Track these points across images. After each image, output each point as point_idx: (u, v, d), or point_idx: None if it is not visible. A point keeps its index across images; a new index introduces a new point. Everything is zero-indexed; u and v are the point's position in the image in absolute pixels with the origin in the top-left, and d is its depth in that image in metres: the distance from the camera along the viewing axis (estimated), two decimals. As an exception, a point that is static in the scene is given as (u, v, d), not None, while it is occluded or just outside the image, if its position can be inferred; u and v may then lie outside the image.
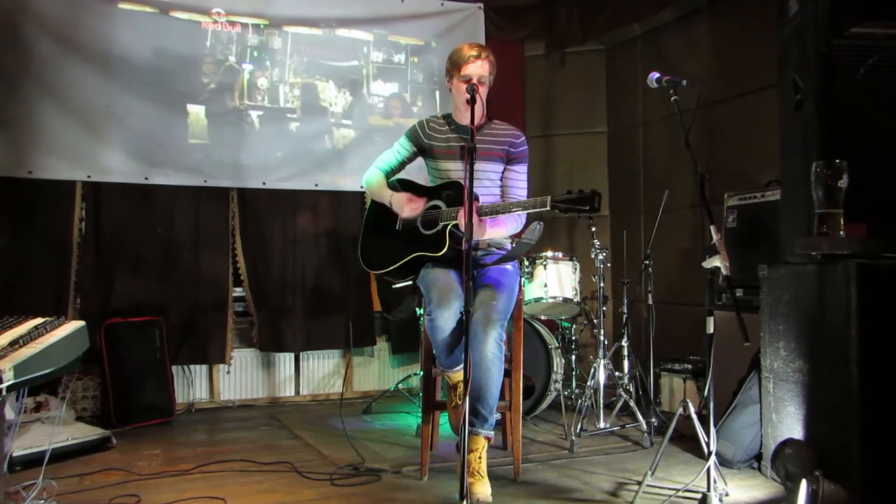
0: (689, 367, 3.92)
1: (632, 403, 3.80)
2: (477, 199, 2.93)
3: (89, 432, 3.58)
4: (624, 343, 4.11)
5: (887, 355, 2.42)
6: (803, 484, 2.38)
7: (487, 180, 3.11)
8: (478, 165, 2.91)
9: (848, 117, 2.65)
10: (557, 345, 4.23)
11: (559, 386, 4.12)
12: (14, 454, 3.04)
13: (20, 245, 4.24)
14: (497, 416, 2.94)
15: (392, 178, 3.28)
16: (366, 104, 5.06)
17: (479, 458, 2.82)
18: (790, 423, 2.82)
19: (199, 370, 4.66)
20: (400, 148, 3.25)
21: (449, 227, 2.95)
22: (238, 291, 4.75)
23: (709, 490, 2.55)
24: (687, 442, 3.45)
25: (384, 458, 3.40)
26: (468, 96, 2.80)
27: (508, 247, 3.21)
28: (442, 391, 3.37)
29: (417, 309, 4.09)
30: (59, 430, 3.43)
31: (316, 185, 4.92)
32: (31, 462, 3.05)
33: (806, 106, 2.78)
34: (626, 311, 4.17)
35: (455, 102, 3.13)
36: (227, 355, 4.65)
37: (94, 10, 4.39)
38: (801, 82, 2.81)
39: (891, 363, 2.41)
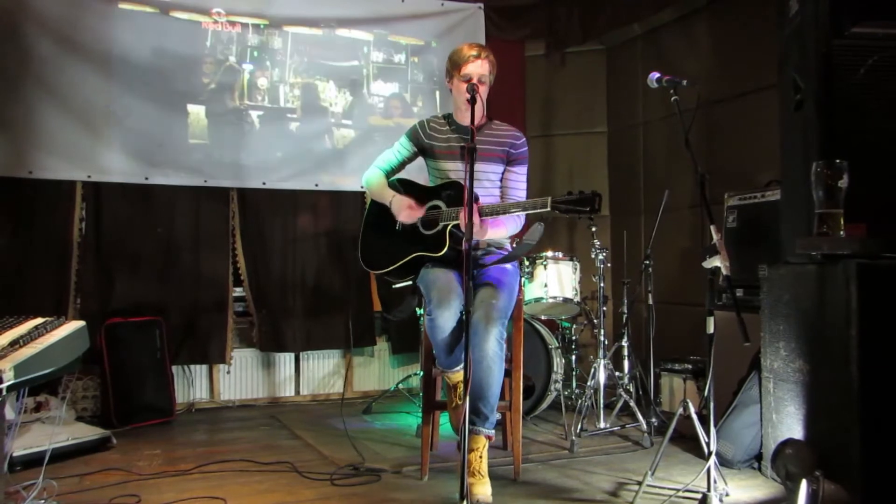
0: (690, 367, 3.92)
1: (632, 403, 3.80)
2: (477, 199, 2.93)
3: (89, 432, 3.58)
4: (624, 343, 4.11)
5: (887, 355, 2.42)
6: (803, 484, 2.38)
7: (487, 181, 3.11)
8: (478, 166, 2.91)
9: (848, 117, 2.65)
10: (557, 345, 4.23)
11: (559, 386, 4.12)
12: (14, 454, 3.04)
13: (20, 245, 4.24)
14: (497, 415, 2.94)
15: (392, 178, 3.28)
16: (366, 104, 5.06)
17: (480, 457, 2.82)
18: (790, 423, 2.82)
19: (200, 370, 4.66)
20: (400, 148, 3.25)
21: (449, 227, 2.95)
22: (238, 291, 4.75)
23: (709, 490, 2.55)
24: (687, 442, 3.45)
25: (384, 458, 3.41)
26: (469, 96, 2.80)
27: (508, 246, 3.21)
28: (442, 391, 3.37)
29: (417, 309, 4.09)
30: (60, 430, 3.43)
31: (316, 185, 4.92)
32: (32, 462, 3.05)
33: (806, 106, 2.79)
34: (626, 311, 4.17)
35: (455, 102, 3.13)
36: (227, 355, 4.65)
37: (94, 10, 4.39)
38: (801, 82, 2.82)
39: (891, 363, 2.41)
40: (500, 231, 3.03)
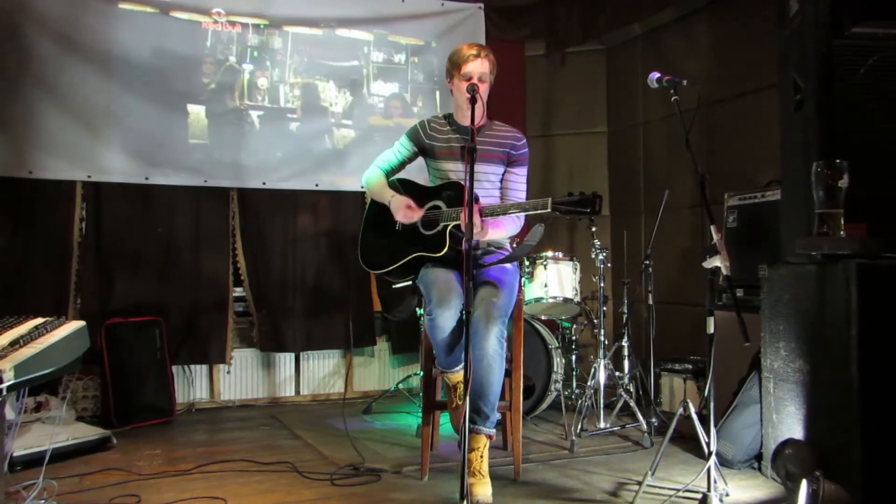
0: (690, 367, 3.92)
1: (632, 403, 3.80)
2: (477, 199, 2.93)
3: (89, 432, 3.58)
4: (624, 343, 4.11)
5: (887, 355, 2.42)
6: (804, 484, 2.38)
7: (487, 182, 3.11)
8: (478, 167, 2.91)
9: (848, 117, 2.65)
10: (558, 345, 4.23)
11: (559, 386, 4.12)
12: (14, 454, 3.04)
13: (20, 245, 4.24)
14: (498, 415, 2.94)
15: (392, 178, 3.28)
16: (366, 104, 5.06)
17: (481, 456, 2.82)
18: (790, 423, 2.82)
19: (200, 370, 4.66)
20: (400, 147, 3.25)
21: (450, 227, 2.95)
22: (238, 291, 4.75)
23: (709, 490, 2.55)
24: (687, 442, 3.44)
25: (384, 458, 3.41)
26: (469, 95, 2.80)
27: (508, 247, 3.21)
28: (442, 391, 3.37)
29: (417, 309, 4.09)
30: (60, 430, 3.43)
31: (316, 185, 4.92)
32: (32, 462, 3.05)
33: (806, 106, 2.79)
34: (626, 311, 4.17)
35: (456, 101, 3.12)
36: (227, 355, 4.65)
37: (94, 10, 4.39)
38: (801, 82, 2.82)
39: (891, 363, 2.41)
40: (500, 232, 3.03)
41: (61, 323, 2.40)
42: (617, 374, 3.99)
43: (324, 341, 4.91)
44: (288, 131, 4.86)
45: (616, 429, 3.85)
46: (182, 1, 4.59)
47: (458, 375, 2.97)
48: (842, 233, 2.52)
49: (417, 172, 3.33)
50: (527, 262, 4.16)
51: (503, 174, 3.15)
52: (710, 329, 2.64)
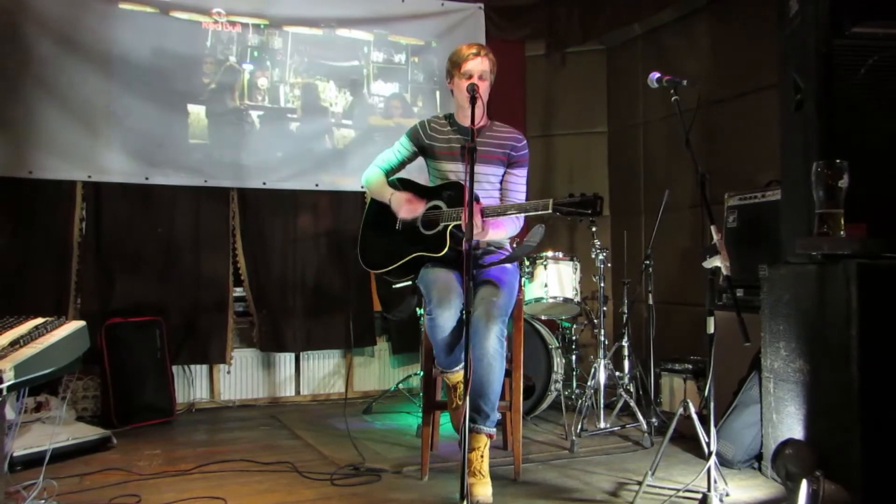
0: (690, 367, 3.92)
1: (632, 403, 3.80)
2: (478, 200, 2.93)
3: (89, 432, 3.58)
4: (624, 343, 4.11)
5: (887, 355, 2.42)
6: (804, 484, 2.38)
7: (487, 183, 3.11)
8: (478, 167, 2.91)
9: (848, 117, 2.65)
10: (558, 345, 4.23)
11: (559, 386, 4.12)
12: (14, 454, 3.05)
13: (20, 245, 4.24)
14: (498, 415, 2.94)
15: (392, 177, 3.28)
16: (366, 104, 5.06)
17: (482, 456, 2.82)
18: (790, 423, 2.82)
19: (200, 370, 4.66)
20: (400, 147, 3.25)
21: (450, 227, 2.95)
22: (238, 291, 4.75)
23: (709, 490, 2.55)
24: (687, 442, 3.44)
25: (385, 458, 3.41)
26: (470, 95, 2.80)
27: (508, 247, 3.21)
28: (442, 391, 3.37)
29: (417, 309, 4.09)
30: (60, 430, 3.43)
31: (316, 185, 4.92)
32: (32, 462, 3.05)
33: (806, 106, 2.79)
34: (626, 311, 4.17)
35: (457, 101, 3.12)
36: (227, 355, 4.65)
37: (94, 10, 4.38)
38: (801, 82, 2.82)
39: (891, 363, 2.41)
40: (500, 232, 3.04)
41: (61, 323, 2.40)
42: (617, 374, 3.99)
43: (324, 341, 4.91)
44: (288, 131, 4.86)
45: (616, 429, 3.85)
46: (182, 1, 4.59)
47: (458, 375, 2.97)
48: (842, 233, 2.53)
49: (418, 172, 3.33)
50: (527, 262, 4.16)
51: (503, 175, 3.15)
52: (710, 329, 2.64)
